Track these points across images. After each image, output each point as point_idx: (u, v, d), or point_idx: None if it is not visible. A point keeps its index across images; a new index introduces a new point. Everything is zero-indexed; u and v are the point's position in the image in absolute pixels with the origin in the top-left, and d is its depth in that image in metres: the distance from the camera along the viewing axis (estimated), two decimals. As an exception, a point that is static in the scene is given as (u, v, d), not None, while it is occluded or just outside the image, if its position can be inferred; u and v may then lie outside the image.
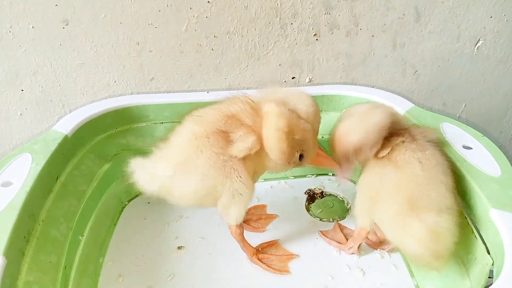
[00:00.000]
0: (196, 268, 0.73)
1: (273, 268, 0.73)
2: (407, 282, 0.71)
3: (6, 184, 0.59)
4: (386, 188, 0.63)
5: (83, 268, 0.67)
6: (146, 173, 0.62)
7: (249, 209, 0.84)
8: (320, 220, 0.85)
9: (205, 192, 0.62)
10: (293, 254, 0.77)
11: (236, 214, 0.66)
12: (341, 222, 0.85)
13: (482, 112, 1.10)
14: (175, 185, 0.61)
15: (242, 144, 0.61)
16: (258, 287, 0.71)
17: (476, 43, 0.98)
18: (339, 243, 0.78)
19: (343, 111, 0.88)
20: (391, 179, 0.62)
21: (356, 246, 0.75)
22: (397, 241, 0.62)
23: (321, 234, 0.81)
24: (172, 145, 0.63)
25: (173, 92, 0.91)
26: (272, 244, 0.79)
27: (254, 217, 0.84)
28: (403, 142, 0.64)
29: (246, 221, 0.83)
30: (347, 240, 0.78)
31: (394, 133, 0.66)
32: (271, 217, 0.85)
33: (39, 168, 0.62)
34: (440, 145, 0.67)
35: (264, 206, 0.88)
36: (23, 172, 0.61)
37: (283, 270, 0.73)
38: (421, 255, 0.58)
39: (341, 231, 0.81)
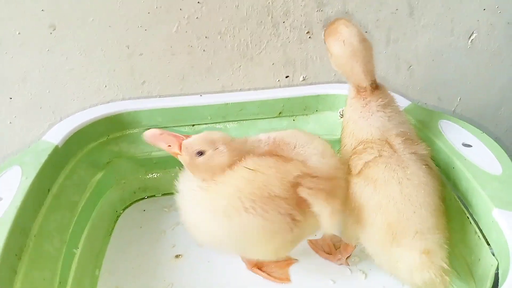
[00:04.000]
0: (195, 276, 0.72)
1: (273, 277, 0.71)
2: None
3: (-5, 200, 0.58)
4: (366, 211, 0.60)
5: (79, 282, 0.65)
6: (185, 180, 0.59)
7: None
8: (319, 222, 0.84)
9: (224, 248, 0.60)
10: (292, 259, 0.75)
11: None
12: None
13: (477, 105, 1.09)
14: (192, 221, 0.59)
15: (332, 218, 0.56)
16: (259, 293, 0.70)
17: (470, 36, 0.97)
18: (327, 253, 0.76)
19: (340, 110, 0.88)
20: (370, 202, 0.60)
21: (344, 258, 0.74)
22: (385, 268, 0.62)
23: (310, 243, 0.78)
24: (213, 190, 0.57)
25: (165, 97, 0.89)
26: None
27: None
28: (380, 156, 0.61)
29: None
30: (336, 249, 0.76)
31: (368, 146, 0.63)
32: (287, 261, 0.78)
33: (29, 181, 0.61)
34: (427, 158, 0.64)
35: None
36: (13, 186, 0.59)
37: (283, 279, 0.72)
38: (418, 282, 0.57)
39: (330, 240, 0.78)
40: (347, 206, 0.63)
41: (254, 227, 0.55)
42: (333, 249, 0.76)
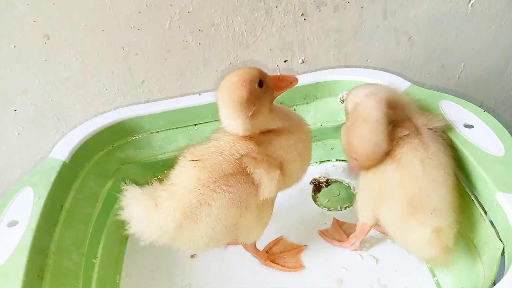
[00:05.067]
0: (211, 274, 0.74)
1: (287, 267, 0.73)
2: (420, 266, 0.71)
3: (12, 224, 0.59)
4: (388, 187, 0.62)
5: (101, 290, 0.68)
6: (145, 220, 0.57)
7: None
8: (328, 209, 0.85)
9: (221, 235, 0.60)
10: (301, 246, 0.77)
11: (256, 237, 0.66)
12: (343, 211, 0.85)
13: (482, 69, 1.07)
14: (183, 235, 0.58)
15: (270, 184, 0.59)
16: (274, 286, 0.72)
17: (470, 1, 0.95)
18: (340, 241, 0.78)
19: (340, 95, 0.87)
20: (393, 178, 0.61)
21: (359, 242, 0.75)
22: (399, 241, 0.64)
23: (321, 234, 0.80)
24: (175, 192, 0.58)
25: (164, 96, 0.90)
26: (277, 241, 0.79)
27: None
28: (407, 135, 0.62)
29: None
30: (347, 236, 0.77)
31: (398, 124, 0.64)
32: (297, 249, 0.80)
33: (42, 201, 0.62)
34: (445, 132, 0.65)
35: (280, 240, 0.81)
36: (26, 208, 0.61)
37: (297, 267, 0.74)
38: (423, 255, 0.60)
39: (340, 228, 0.80)
40: (368, 184, 0.66)
41: (227, 203, 0.58)
42: (345, 236, 0.78)
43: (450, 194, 0.60)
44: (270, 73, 0.91)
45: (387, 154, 0.62)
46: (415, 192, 0.59)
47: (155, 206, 0.57)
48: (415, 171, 0.60)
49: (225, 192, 0.57)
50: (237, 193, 0.58)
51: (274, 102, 0.64)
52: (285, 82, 0.65)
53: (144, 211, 0.57)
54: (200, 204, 0.57)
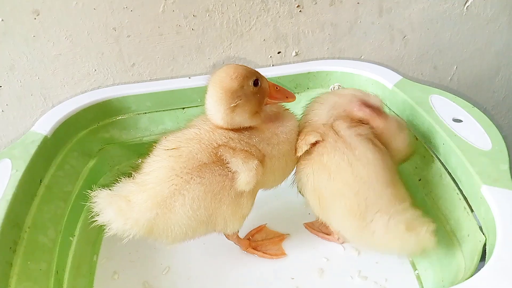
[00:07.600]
0: (191, 259, 0.73)
1: (269, 254, 0.73)
2: (402, 259, 0.71)
3: (-14, 195, 0.58)
4: (325, 198, 0.61)
5: (77, 269, 0.67)
6: (121, 215, 0.56)
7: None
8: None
9: (197, 224, 0.59)
10: (283, 234, 0.77)
11: (234, 228, 0.64)
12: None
13: (474, 73, 1.07)
14: (160, 225, 0.57)
15: (248, 174, 0.58)
16: (254, 273, 0.71)
17: (465, 3, 0.95)
18: (326, 234, 0.76)
19: (331, 86, 0.87)
20: (327, 189, 0.61)
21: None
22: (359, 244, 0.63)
23: (307, 226, 0.79)
24: (146, 182, 0.57)
25: (155, 80, 0.89)
26: (260, 229, 0.78)
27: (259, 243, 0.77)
28: (323, 141, 0.62)
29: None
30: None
31: (312, 129, 0.64)
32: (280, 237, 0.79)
33: (20, 174, 0.61)
34: (371, 137, 0.63)
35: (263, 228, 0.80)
36: (3, 180, 0.60)
37: (279, 254, 0.73)
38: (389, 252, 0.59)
39: None
40: (311, 194, 0.64)
41: (200, 194, 0.57)
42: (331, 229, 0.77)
43: (389, 186, 0.59)
44: (263, 61, 0.93)
45: (316, 161, 0.62)
46: (352, 199, 0.58)
47: (128, 202, 0.56)
48: (346, 178, 0.59)
49: (198, 184, 0.56)
50: (209, 185, 0.57)
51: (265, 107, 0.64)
52: (280, 94, 0.65)
53: (118, 211, 0.56)
54: (173, 194, 0.56)
